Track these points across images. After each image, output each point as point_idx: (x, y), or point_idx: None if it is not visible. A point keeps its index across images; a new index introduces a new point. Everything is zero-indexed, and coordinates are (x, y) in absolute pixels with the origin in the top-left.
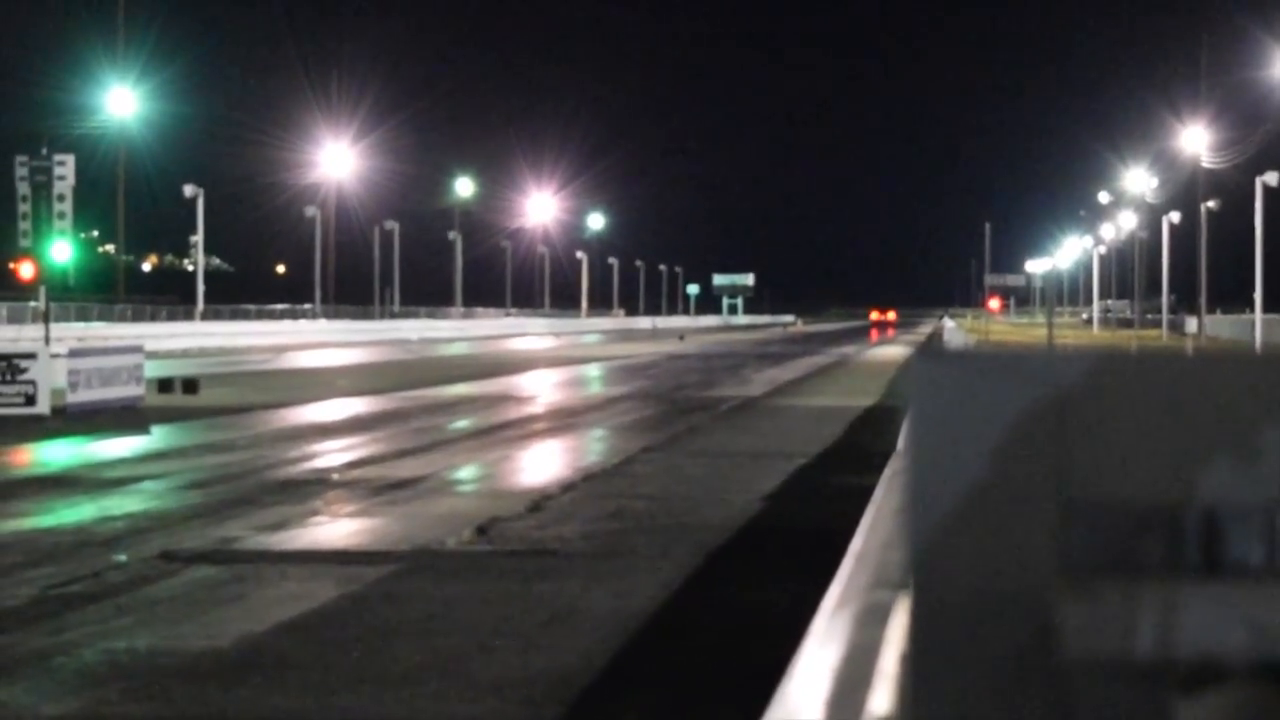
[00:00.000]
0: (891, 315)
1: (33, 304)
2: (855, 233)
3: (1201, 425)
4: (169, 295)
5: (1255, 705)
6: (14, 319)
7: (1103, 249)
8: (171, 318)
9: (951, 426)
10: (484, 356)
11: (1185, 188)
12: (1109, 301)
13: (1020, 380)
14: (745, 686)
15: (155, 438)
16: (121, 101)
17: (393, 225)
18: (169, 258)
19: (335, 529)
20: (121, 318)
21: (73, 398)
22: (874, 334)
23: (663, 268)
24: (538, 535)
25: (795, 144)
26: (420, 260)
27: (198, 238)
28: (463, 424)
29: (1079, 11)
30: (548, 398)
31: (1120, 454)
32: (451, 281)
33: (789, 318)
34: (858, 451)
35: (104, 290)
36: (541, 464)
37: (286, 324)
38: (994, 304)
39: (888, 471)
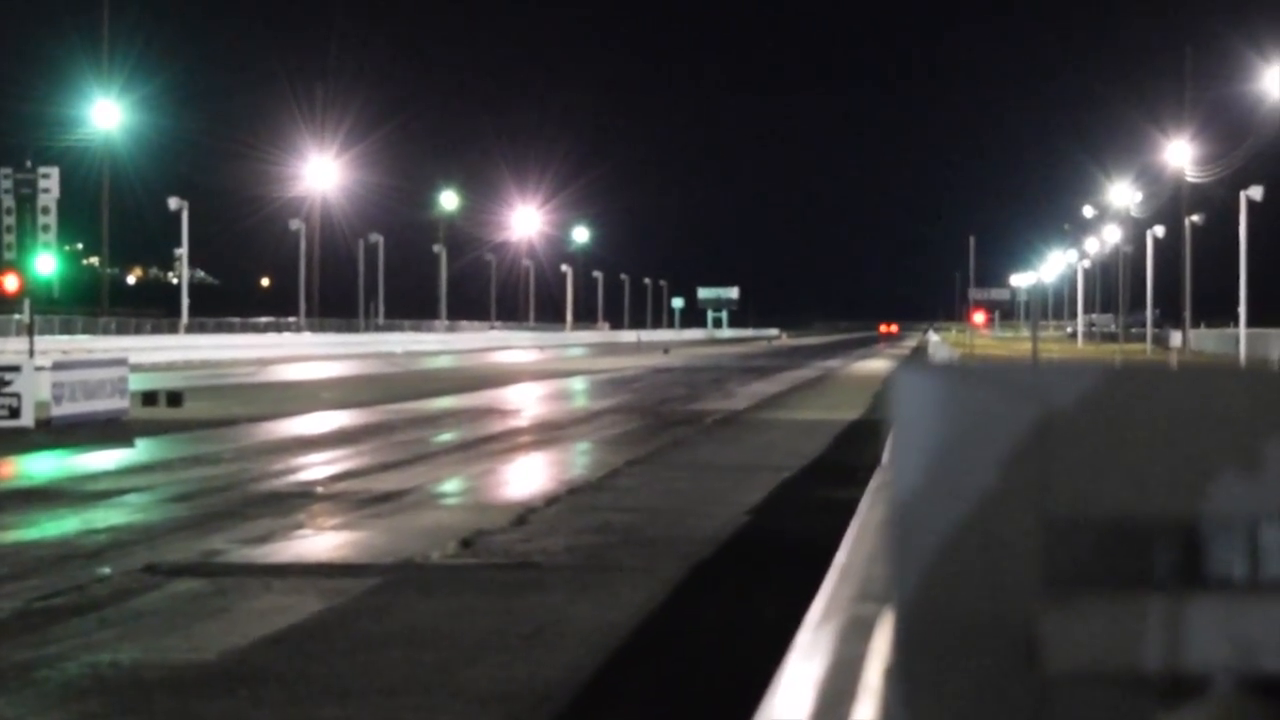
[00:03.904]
0: (895, 329)
1: (17, 317)
2: (839, 247)
3: (1185, 439)
4: (153, 308)
5: (1237, 718)
6: None
7: (1087, 263)
8: (156, 330)
9: (935, 440)
10: (469, 370)
11: (1169, 202)
12: (1093, 315)
13: (1004, 393)
14: (729, 700)
15: (139, 451)
16: (106, 114)
17: (377, 238)
18: (153, 270)
19: (319, 542)
20: (106, 330)
21: (57, 410)
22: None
23: (647, 281)
24: (522, 548)
25: (779, 158)
26: (405, 273)
27: (182, 250)
28: (447, 437)
29: (1062, 26)
30: (533, 411)
31: (1104, 467)
32: (436, 295)
33: (773, 331)
34: (842, 465)
35: (88, 303)
36: (526, 477)
37: (271, 337)
38: (978, 318)
39: (872, 485)
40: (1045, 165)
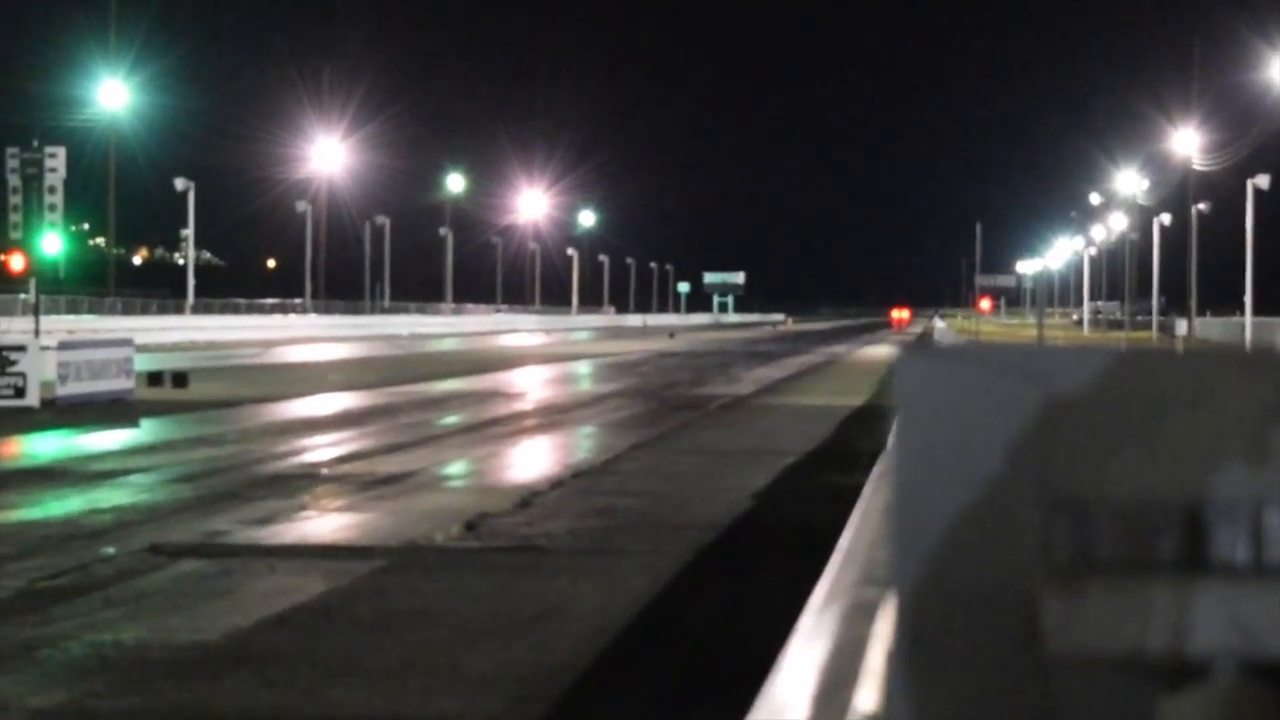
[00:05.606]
0: (907, 314)
1: (23, 296)
2: (846, 232)
3: (1190, 423)
4: (159, 289)
5: (1239, 703)
6: (4, 311)
7: (1093, 250)
8: (162, 311)
9: (939, 423)
10: (474, 352)
11: (1176, 190)
12: (1099, 303)
13: (1008, 377)
14: (732, 683)
15: (144, 431)
16: (113, 94)
17: (383, 220)
18: (160, 251)
19: (323, 524)
20: (112, 311)
21: (62, 390)
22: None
23: (653, 265)
24: (526, 531)
25: (786, 143)
26: (411, 256)
27: (188, 231)
28: (452, 419)
29: (1070, 13)
30: (538, 394)
31: (1108, 451)
32: (442, 277)
33: (779, 316)
34: (847, 450)
35: (94, 283)
36: (531, 460)
37: (277, 318)
38: (984, 304)
39: (877, 470)
40: (1052, 152)
